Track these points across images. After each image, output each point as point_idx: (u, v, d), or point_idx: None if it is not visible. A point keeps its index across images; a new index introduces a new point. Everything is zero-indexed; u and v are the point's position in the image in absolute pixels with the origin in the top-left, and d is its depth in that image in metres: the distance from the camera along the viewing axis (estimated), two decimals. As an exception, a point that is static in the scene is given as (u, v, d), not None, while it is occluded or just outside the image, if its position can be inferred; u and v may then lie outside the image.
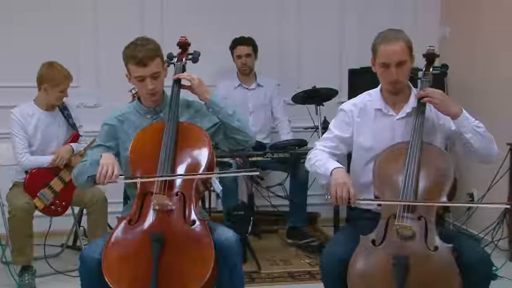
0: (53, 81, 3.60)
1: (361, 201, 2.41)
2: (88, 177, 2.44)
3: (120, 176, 2.39)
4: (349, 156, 2.65)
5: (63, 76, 3.62)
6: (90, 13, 4.51)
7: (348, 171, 2.54)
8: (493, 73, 4.15)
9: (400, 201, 2.31)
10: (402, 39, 2.45)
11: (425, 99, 2.44)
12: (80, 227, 4.06)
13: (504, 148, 3.79)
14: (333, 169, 2.40)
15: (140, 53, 2.45)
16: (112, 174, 2.35)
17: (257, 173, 2.55)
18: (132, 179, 2.41)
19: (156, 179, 2.35)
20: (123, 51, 2.52)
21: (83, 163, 2.52)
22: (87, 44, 4.51)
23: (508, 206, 2.25)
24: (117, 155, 2.58)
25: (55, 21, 4.42)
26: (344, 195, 2.31)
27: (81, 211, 4.00)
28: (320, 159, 2.51)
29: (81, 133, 3.78)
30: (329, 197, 2.36)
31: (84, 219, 3.85)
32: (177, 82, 2.59)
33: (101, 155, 2.44)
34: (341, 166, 2.42)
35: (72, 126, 3.76)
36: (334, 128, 2.61)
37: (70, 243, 4.14)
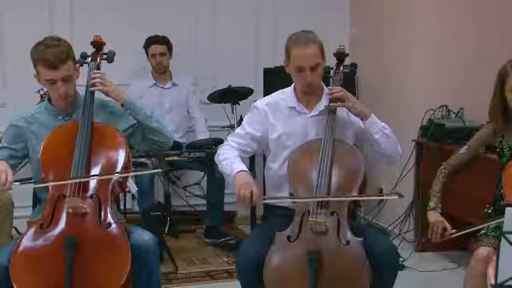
0: None
1: (266, 200, 2.46)
2: None
3: (15, 183, 2.29)
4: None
5: None
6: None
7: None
8: (399, 72, 4.35)
9: (310, 198, 2.38)
10: (314, 42, 2.50)
11: (338, 103, 2.50)
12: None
13: (410, 144, 3.99)
14: (236, 172, 2.43)
15: (52, 56, 2.35)
16: (6, 181, 2.25)
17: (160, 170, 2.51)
18: (43, 183, 2.32)
19: (68, 182, 2.28)
20: (32, 52, 2.41)
21: None
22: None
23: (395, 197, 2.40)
24: (26, 157, 2.48)
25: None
26: (247, 194, 2.34)
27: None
28: (228, 157, 2.52)
29: None
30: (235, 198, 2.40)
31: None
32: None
33: None
34: (245, 169, 2.45)
35: None
36: (247, 124, 2.63)
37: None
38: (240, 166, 2.46)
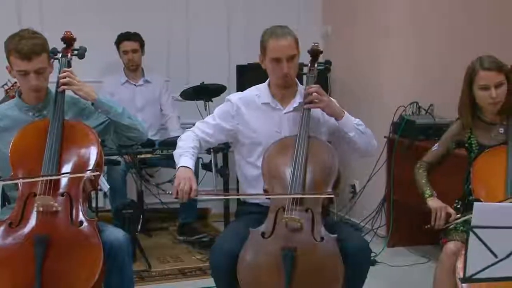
0: None
1: (203, 196, 2.52)
2: None
3: None
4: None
5: None
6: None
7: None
8: (371, 70, 4.38)
9: (220, 195, 2.43)
10: (290, 34, 2.52)
11: (311, 105, 2.50)
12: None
13: (382, 141, 4.03)
14: (180, 166, 2.47)
15: (26, 47, 2.32)
16: None
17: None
18: (12, 180, 2.28)
19: (39, 179, 2.25)
20: (6, 42, 2.38)
21: None
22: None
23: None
24: None
25: None
26: (186, 188, 2.38)
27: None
28: (182, 146, 2.56)
29: None
30: (170, 192, 2.45)
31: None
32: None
33: None
34: (188, 165, 2.48)
35: None
36: (217, 116, 2.63)
37: None
38: (185, 161, 2.49)
